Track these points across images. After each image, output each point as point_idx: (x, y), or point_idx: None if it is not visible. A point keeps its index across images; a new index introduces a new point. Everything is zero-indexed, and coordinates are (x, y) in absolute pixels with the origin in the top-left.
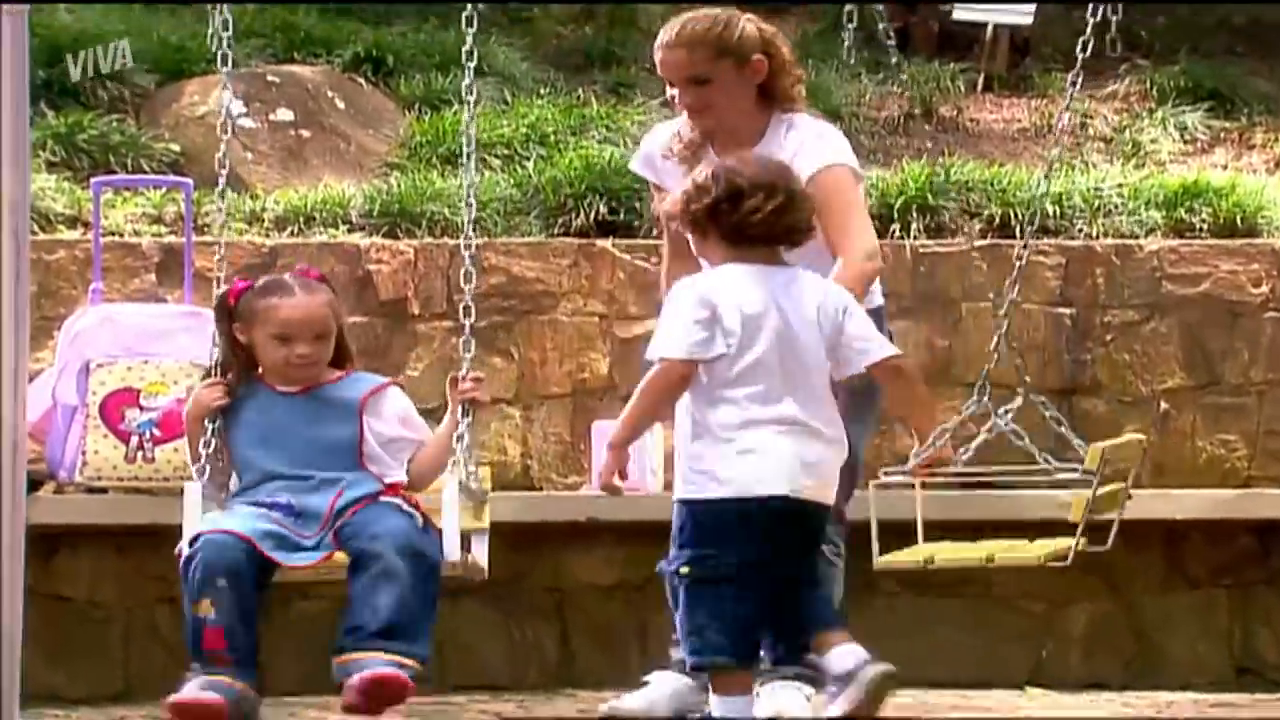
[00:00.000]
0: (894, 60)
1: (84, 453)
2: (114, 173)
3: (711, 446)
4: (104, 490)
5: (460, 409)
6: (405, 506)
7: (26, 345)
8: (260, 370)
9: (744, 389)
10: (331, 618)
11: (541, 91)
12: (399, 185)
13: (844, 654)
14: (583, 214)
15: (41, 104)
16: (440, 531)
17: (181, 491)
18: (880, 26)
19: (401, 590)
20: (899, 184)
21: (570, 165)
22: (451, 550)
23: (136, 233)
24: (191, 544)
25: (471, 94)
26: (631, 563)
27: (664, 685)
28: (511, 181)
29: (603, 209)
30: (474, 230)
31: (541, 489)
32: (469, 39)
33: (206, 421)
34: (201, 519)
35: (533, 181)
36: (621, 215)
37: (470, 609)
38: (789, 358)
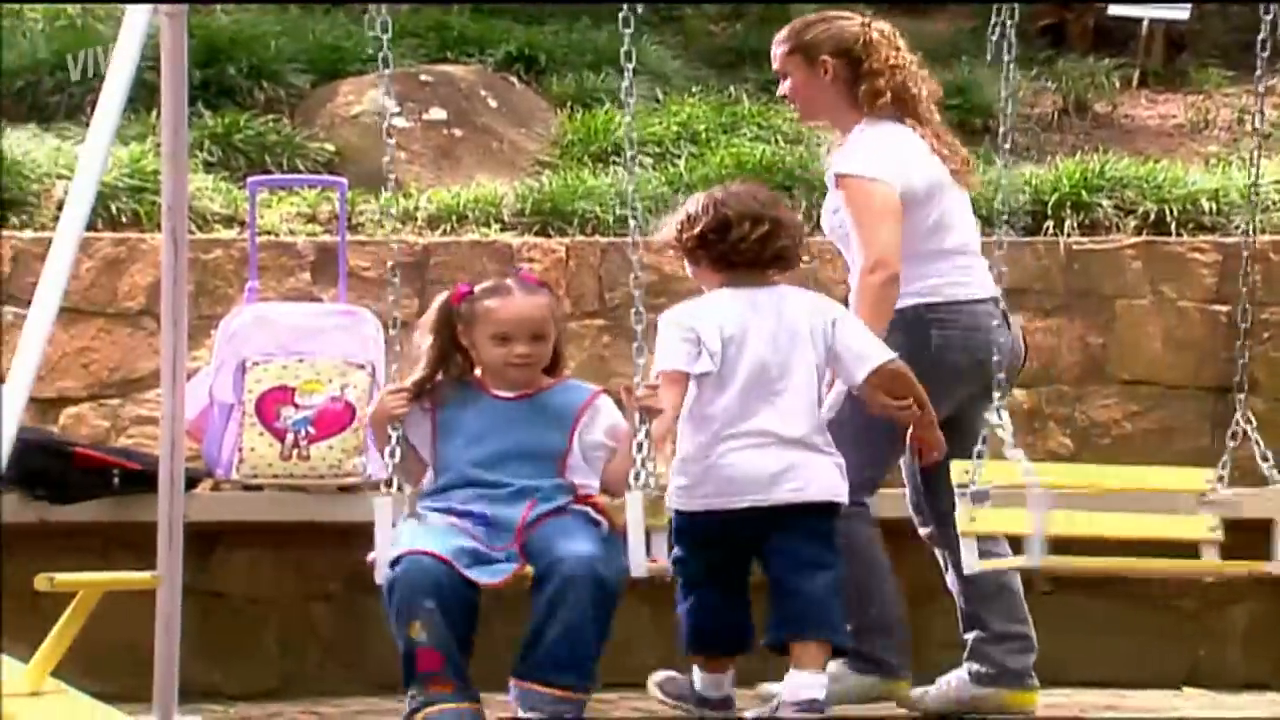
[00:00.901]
0: (1042, 56)
1: (240, 450)
2: (269, 172)
3: (694, 463)
4: (260, 487)
5: (637, 417)
6: (594, 515)
7: (185, 344)
8: (479, 374)
9: (722, 405)
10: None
11: (693, 89)
12: (550, 184)
13: (794, 684)
14: None
15: (199, 105)
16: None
17: (343, 486)
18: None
19: (580, 620)
20: (1053, 181)
21: (721, 163)
22: (638, 567)
23: (291, 232)
24: (393, 565)
25: (631, 95)
26: None
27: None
28: (663, 180)
29: None
30: (627, 229)
31: None
32: (625, 39)
33: (390, 429)
34: (396, 533)
35: (684, 180)
36: None
37: (626, 605)
38: (768, 374)
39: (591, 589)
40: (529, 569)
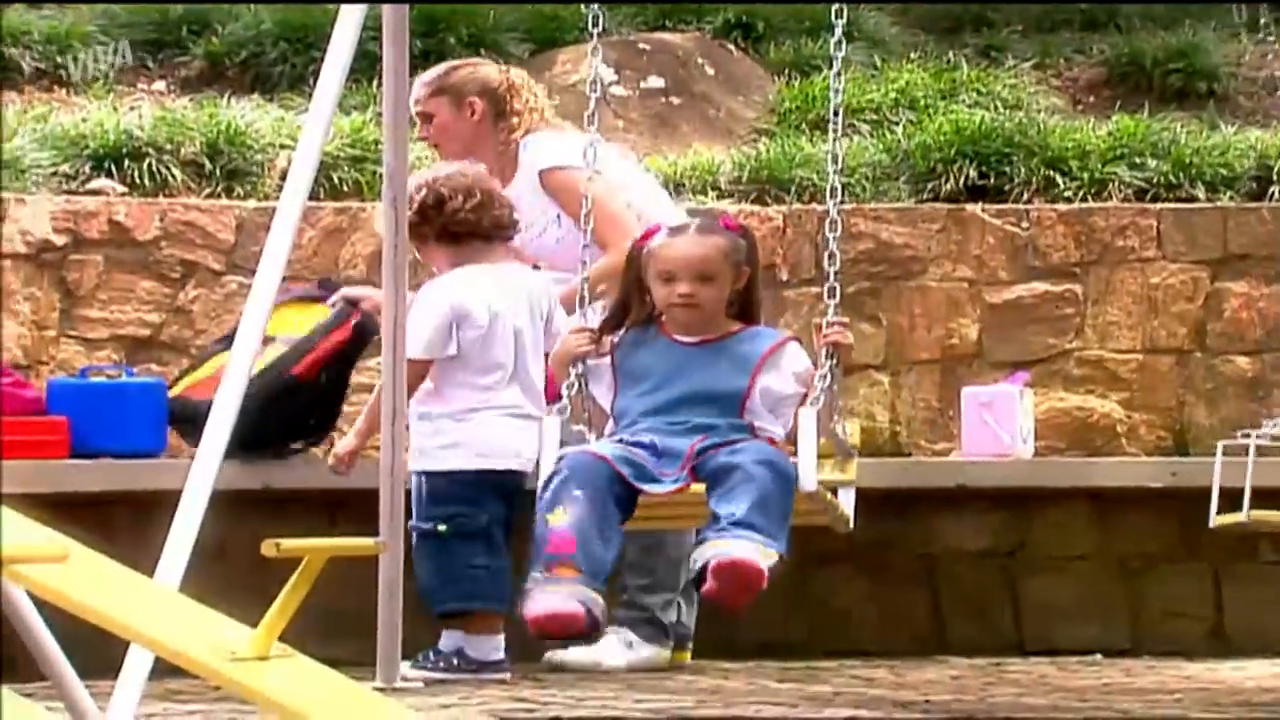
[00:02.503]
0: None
1: None
2: None
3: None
4: None
5: (825, 351)
6: (773, 455)
7: (405, 308)
8: (663, 319)
9: (483, 378)
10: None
11: (911, 56)
12: (768, 151)
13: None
14: (952, 179)
15: (419, 74)
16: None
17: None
18: None
19: (761, 492)
20: (1279, 145)
21: (940, 130)
22: (807, 480)
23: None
24: (555, 464)
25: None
26: (1003, 528)
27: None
28: (880, 147)
29: (972, 173)
30: (843, 196)
31: (910, 455)
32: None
33: (571, 368)
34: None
35: (901, 147)
36: (992, 180)
37: (841, 575)
38: (518, 351)
39: (773, 472)
40: (697, 486)
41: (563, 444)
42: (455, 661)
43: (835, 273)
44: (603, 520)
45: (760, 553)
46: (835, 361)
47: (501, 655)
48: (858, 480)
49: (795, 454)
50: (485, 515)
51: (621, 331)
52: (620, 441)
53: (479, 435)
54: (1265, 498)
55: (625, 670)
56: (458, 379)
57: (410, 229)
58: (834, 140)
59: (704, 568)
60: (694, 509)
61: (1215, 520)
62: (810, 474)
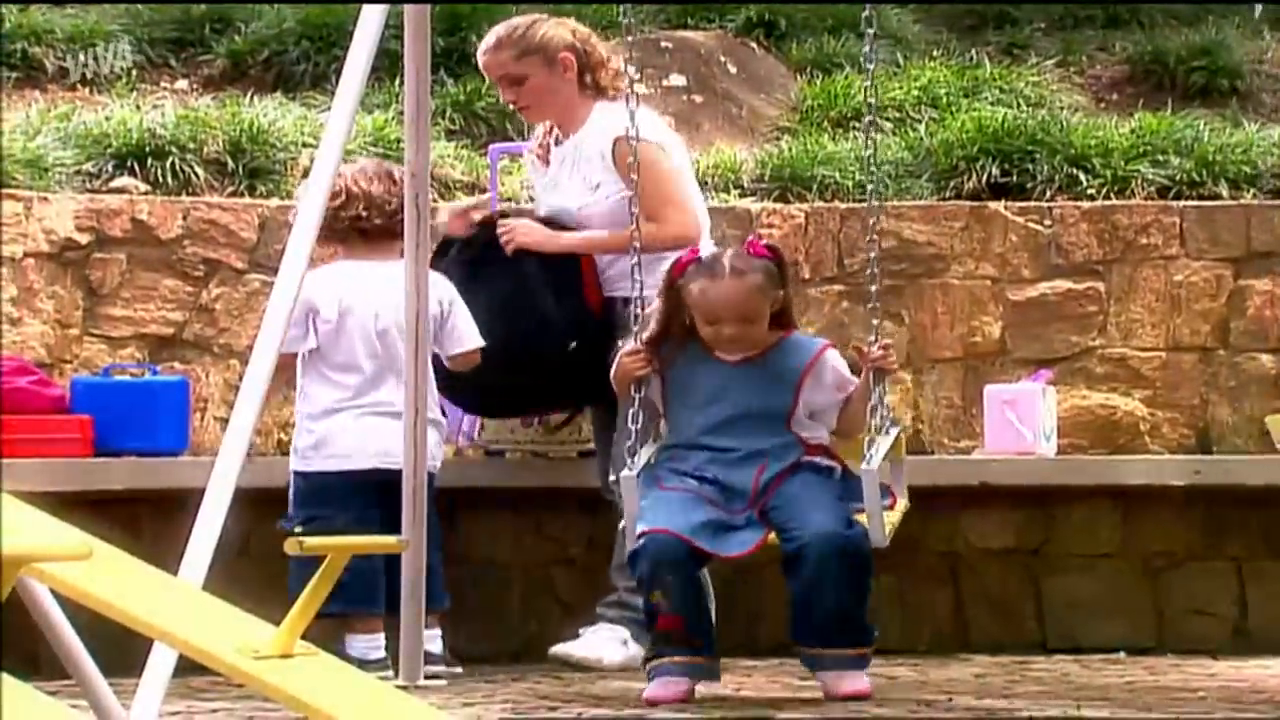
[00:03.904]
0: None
1: (482, 418)
2: (511, 140)
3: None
4: (501, 454)
5: (871, 377)
6: (824, 463)
7: (428, 310)
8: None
9: (340, 375)
10: (726, 583)
11: (934, 53)
12: (790, 149)
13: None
14: (975, 176)
15: (441, 73)
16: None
17: (583, 452)
18: None
19: (840, 592)
20: None
21: (962, 127)
22: (877, 540)
23: (532, 199)
24: (637, 539)
25: (872, 60)
26: (1026, 526)
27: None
28: (903, 144)
29: (995, 171)
30: (867, 193)
31: (933, 453)
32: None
33: (632, 390)
34: (640, 507)
35: (924, 144)
36: (1015, 177)
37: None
38: (386, 348)
39: (843, 563)
40: (772, 537)
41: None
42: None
43: (875, 291)
44: (695, 595)
45: (864, 656)
46: (884, 387)
47: (382, 654)
48: (904, 458)
49: (842, 454)
50: (345, 517)
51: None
52: (685, 475)
53: (338, 435)
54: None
55: (621, 668)
56: (317, 376)
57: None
58: (869, 151)
59: (820, 675)
60: (766, 553)
61: None
62: (880, 536)
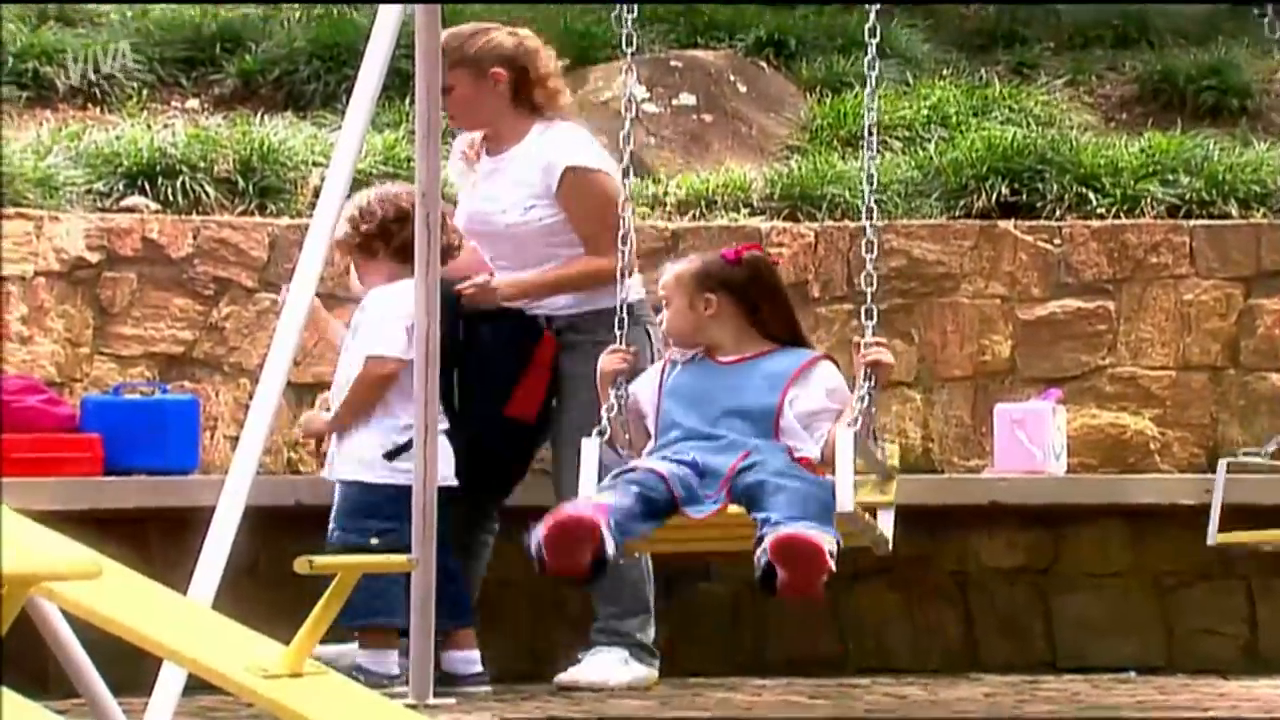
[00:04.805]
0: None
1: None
2: None
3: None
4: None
5: (863, 372)
6: (812, 475)
7: (439, 329)
8: None
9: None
10: (734, 601)
11: (943, 72)
12: (799, 168)
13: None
14: (984, 195)
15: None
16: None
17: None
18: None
19: (801, 494)
20: None
21: (972, 146)
22: (844, 501)
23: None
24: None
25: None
26: (1035, 545)
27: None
28: (912, 163)
29: (1004, 190)
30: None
31: (943, 472)
32: (871, 15)
33: (611, 389)
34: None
35: (934, 163)
36: (1024, 196)
37: (873, 592)
38: None
39: (805, 483)
40: (733, 508)
41: (603, 466)
42: (355, 676)
43: (872, 293)
44: (644, 513)
45: (817, 532)
46: (874, 382)
47: (397, 670)
48: (897, 501)
49: (832, 474)
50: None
51: (672, 353)
52: (665, 459)
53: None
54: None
55: (628, 687)
56: (399, 390)
57: (363, 241)
58: (868, 160)
59: (767, 564)
60: (732, 530)
61: (1215, 538)
62: (847, 495)
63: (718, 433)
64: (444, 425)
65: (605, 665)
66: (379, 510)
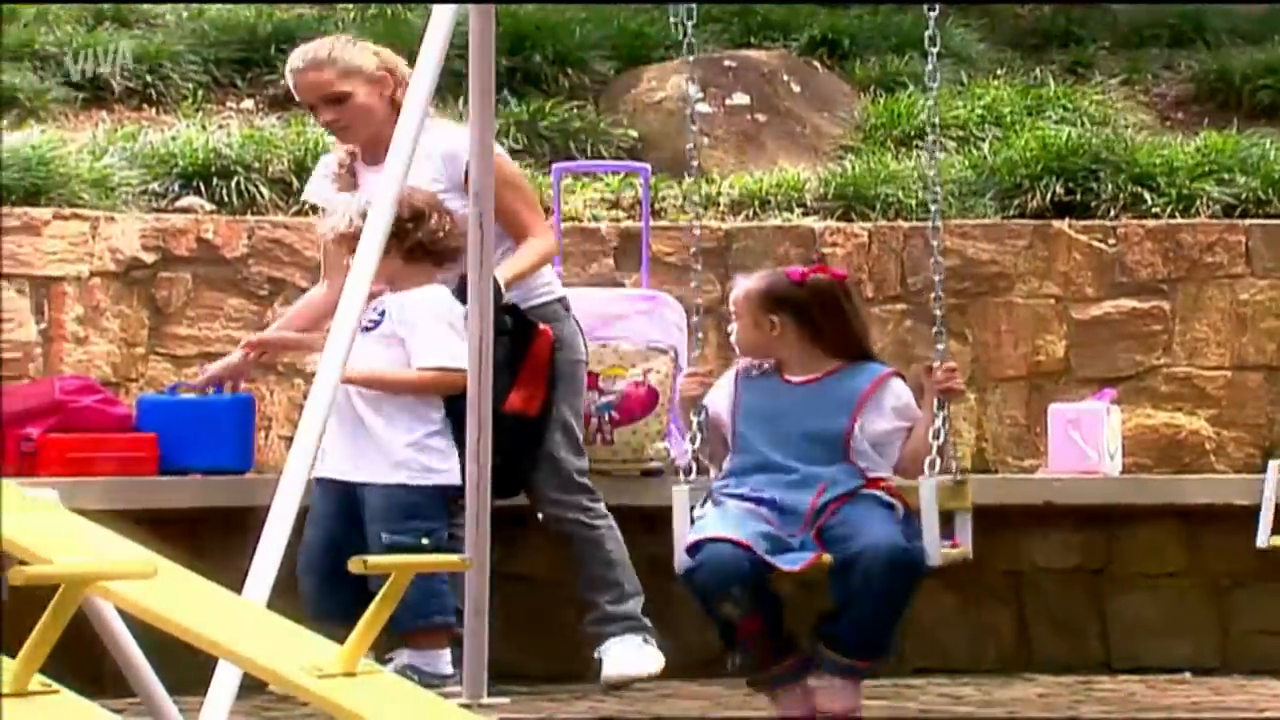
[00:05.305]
0: None
1: None
2: (574, 159)
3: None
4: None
5: (936, 401)
6: (886, 498)
7: (491, 331)
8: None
9: None
10: (789, 601)
11: (998, 72)
12: (853, 168)
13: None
14: (1038, 195)
15: (505, 92)
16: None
17: (646, 471)
18: None
19: (875, 606)
20: None
21: (1026, 146)
22: (933, 555)
23: (595, 218)
24: (693, 552)
25: (935, 80)
26: (1090, 546)
27: None
28: (967, 163)
29: (1059, 190)
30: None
31: (997, 472)
32: (930, 22)
33: (692, 415)
34: (693, 519)
35: (988, 163)
36: (1079, 196)
37: (929, 592)
38: None
39: (897, 577)
40: (826, 557)
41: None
42: (409, 676)
43: (940, 317)
44: (764, 603)
45: (858, 693)
46: (948, 411)
47: (451, 670)
48: (970, 506)
49: (905, 494)
50: (448, 531)
51: (744, 363)
52: (744, 498)
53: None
54: None
55: (659, 671)
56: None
57: (414, 247)
58: (932, 171)
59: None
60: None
61: (1266, 540)
62: (935, 549)
63: (790, 464)
64: (437, 426)
65: (636, 656)
66: (420, 510)
